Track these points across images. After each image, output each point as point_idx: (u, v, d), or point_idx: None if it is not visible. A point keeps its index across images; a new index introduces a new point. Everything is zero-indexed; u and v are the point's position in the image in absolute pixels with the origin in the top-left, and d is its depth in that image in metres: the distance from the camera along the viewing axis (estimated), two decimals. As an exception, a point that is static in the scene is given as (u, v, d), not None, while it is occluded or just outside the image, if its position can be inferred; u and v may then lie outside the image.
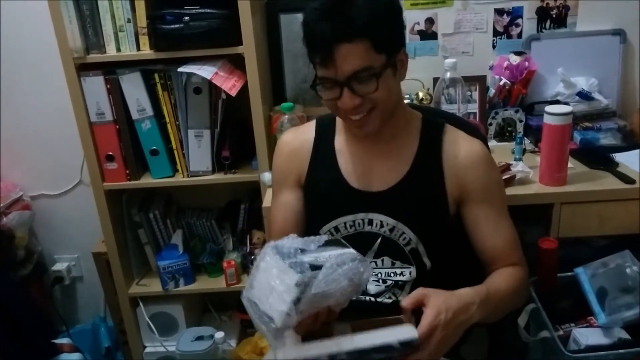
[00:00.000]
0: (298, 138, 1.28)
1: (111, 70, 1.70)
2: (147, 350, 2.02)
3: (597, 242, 1.57)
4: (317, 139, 1.25)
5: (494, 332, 1.66)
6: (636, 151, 1.75)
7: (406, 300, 0.98)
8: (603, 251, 1.38)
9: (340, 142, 1.23)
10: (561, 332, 1.28)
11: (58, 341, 1.75)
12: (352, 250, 0.96)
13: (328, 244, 0.98)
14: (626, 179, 1.60)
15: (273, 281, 0.90)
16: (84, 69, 1.68)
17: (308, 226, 1.26)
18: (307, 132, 1.27)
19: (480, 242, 1.18)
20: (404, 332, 0.92)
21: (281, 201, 1.27)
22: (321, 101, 1.13)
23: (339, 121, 1.25)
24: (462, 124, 1.31)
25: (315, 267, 0.90)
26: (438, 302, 0.96)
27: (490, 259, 1.18)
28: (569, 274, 1.36)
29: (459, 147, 1.18)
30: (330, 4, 1.04)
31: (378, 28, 1.03)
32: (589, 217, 1.57)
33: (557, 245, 1.36)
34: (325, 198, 1.22)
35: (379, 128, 1.13)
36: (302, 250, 0.95)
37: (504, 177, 1.58)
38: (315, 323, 0.96)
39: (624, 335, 1.24)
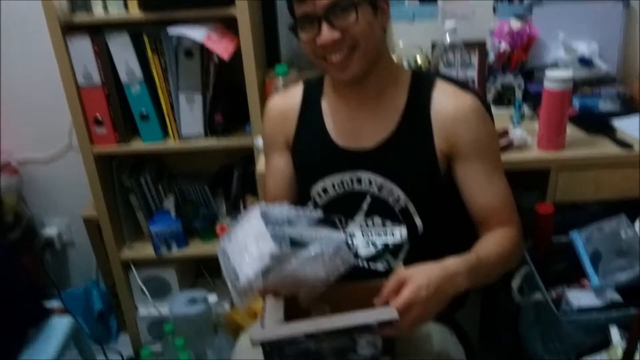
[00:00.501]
0: (285, 101, 1.25)
1: (99, 32, 1.65)
2: (140, 313, 2.02)
3: (593, 207, 1.56)
4: (304, 100, 1.23)
5: (487, 295, 1.66)
6: (635, 117, 1.72)
7: (387, 288, 0.94)
8: (598, 216, 1.37)
9: (327, 101, 1.21)
10: (554, 294, 1.27)
11: (49, 304, 1.74)
12: (341, 236, 0.93)
13: (320, 222, 0.95)
14: (624, 144, 1.58)
15: (250, 243, 0.88)
16: (70, 30, 1.64)
17: (299, 189, 1.24)
18: (294, 95, 1.25)
19: (472, 199, 1.14)
20: (384, 313, 0.89)
21: (272, 166, 1.27)
22: (301, 45, 1.09)
23: (327, 81, 1.22)
24: (453, 80, 1.25)
25: (297, 244, 0.88)
26: (419, 280, 0.93)
27: (482, 217, 1.14)
28: (564, 238, 1.35)
29: (449, 101, 1.14)
30: None
31: None
32: (586, 182, 1.55)
33: (553, 209, 1.35)
34: (312, 159, 1.21)
35: (364, 76, 1.10)
36: (290, 222, 0.93)
37: (502, 144, 1.56)
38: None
39: (616, 297, 1.23)
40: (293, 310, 0.96)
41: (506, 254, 1.09)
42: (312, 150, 1.20)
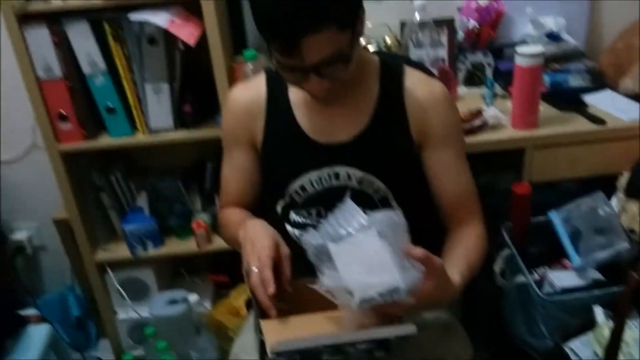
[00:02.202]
0: (249, 93, 1.19)
1: (56, 20, 1.58)
2: (120, 317, 1.97)
3: (569, 185, 1.58)
4: (269, 93, 1.17)
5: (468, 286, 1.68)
6: (606, 92, 1.74)
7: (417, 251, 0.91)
8: (575, 194, 1.38)
9: (295, 94, 1.15)
10: (536, 276, 1.28)
11: (24, 312, 1.69)
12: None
13: None
14: (597, 120, 1.59)
15: (371, 266, 0.88)
16: (26, 20, 1.56)
17: (271, 187, 1.20)
18: (257, 87, 1.18)
19: (441, 187, 1.15)
20: (403, 329, 0.91)
21: (234, 162, 1.21)
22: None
23: None
24: (418, 66, 1.25)
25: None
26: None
27: (450, 205, 1.15)
28: (542, 218, 1.35)
29: (421, 88, 1.12)
30: None
31: (341, 5, 0.95)
32: (561, 160, 1.57)
33: (530, 189, 1.35)
34: (286, 156, 1.16)
35: None
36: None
37: (476, 124, 1.56)
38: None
39: (598, 276, 1.25)
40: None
41: (483, 254, 1.12)
42: (285, 147, 1.16)
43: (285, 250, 1.00)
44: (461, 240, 1.12)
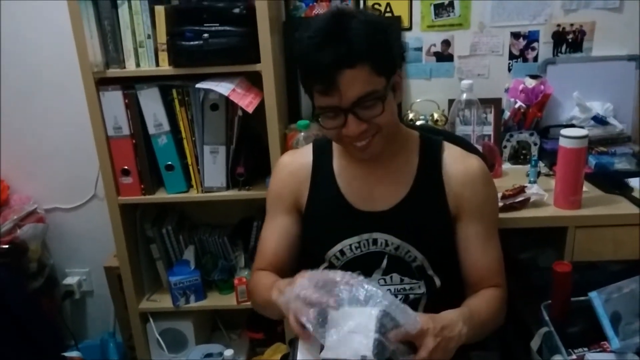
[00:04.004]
0: (296, 161, 1.27)
1: (130, 85, 1.72)
2: (156, 366, 2.01)
3: (611, 266, 1.55)
4: (315, 161, 1.25)
5: (506, 355, 1.64)
6: (651, 176, 1.73)
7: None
8: (617, 276, 1.36)
9: (339, 164, 1.23)
10: (574, 357, 1.25)
11: (68, 354, 1.75)
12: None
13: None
14: (641, 203, 1.58)
15: (353, 329, 0.92)
16: (103, 83, 1.71)
17: (311, 251, 1.24)
18: (305, 155, 1.27)
19: (469, 260, 1.19)
20: None
21: (276, 224, 1.25)
22: (322, 131, 1.13)
23: (335, 143, 1.24)
24: (458, 140, 1.32)
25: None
26: (424, 319, 0.98)
27: (476, 278, 1.19)
28: (583, 298, 1.34)
29: (458, 163, 1.19)
30: (327, 30, 1.04)
31: (377, 51, 1.04)
32: (603, 241, 1.56)
33: (571, 268, 1.35)
34: (328, 221, 1.22)
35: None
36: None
37: (518, 200, 1.59)
38: None
39: (638, 360, 1.21)
40: None
41: (495, 312, 1.16)
42: (327, 212, 1.21)
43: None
44: (473, 295, 1.17)
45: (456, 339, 1.00)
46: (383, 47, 1.06)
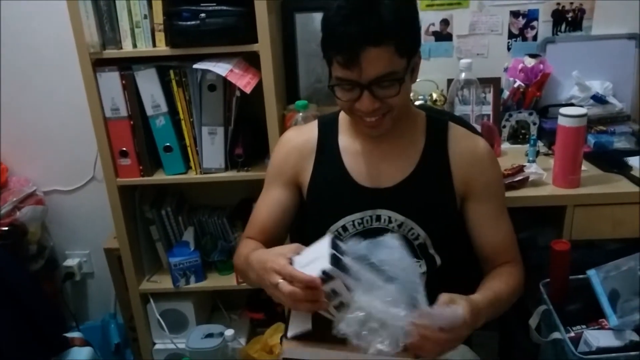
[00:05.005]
0: (301, 136, 1.27)
1: (127, 66, 1.71)
2: (157, 347, 2.03)
3: (610, 245, 1.57)
4: (320, 137, 1.25)
5: (505, 334, 1.66)
6: (651, 155, 1.74)
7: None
8: (615, 254, 1.37)
9: (344, 140, 1.23)
10: (572, 334, 1.27)
11: (69, 335, 1.77)
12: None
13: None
14: (640, 182, 1.59)
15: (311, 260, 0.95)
16: (100, 64, 1.69)
17: (314, 226, 1.25)
18: (310, 131, 1.27)
19: (482, 238, 1.20)
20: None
21: (272, 195, 1.26)
22: (336, 101, 1.13)
23: (341, 120, 1.24)
24: (462, 122, 1.32)
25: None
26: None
27: (489, 255, 1.20)
28: (581, 276, 1.35)
29: (464, 143, 1.20)
30: (358, 3, 1.02)
31: (404, 31, 1.03)
32: (602, 220, 1.57)
33: (569, 247, 1.36)
34: (332, 197, 1.22)
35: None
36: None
37: (517, 179, 1.59)
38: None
39: (635, 337, 1.23)
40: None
41: (514, 291, 1.16)
42: (331, 188, 1.22)
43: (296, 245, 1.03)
44: (492, 273, 1.17)
45: (464, 339, 0.99)
46: (410, 26, 1.06)
